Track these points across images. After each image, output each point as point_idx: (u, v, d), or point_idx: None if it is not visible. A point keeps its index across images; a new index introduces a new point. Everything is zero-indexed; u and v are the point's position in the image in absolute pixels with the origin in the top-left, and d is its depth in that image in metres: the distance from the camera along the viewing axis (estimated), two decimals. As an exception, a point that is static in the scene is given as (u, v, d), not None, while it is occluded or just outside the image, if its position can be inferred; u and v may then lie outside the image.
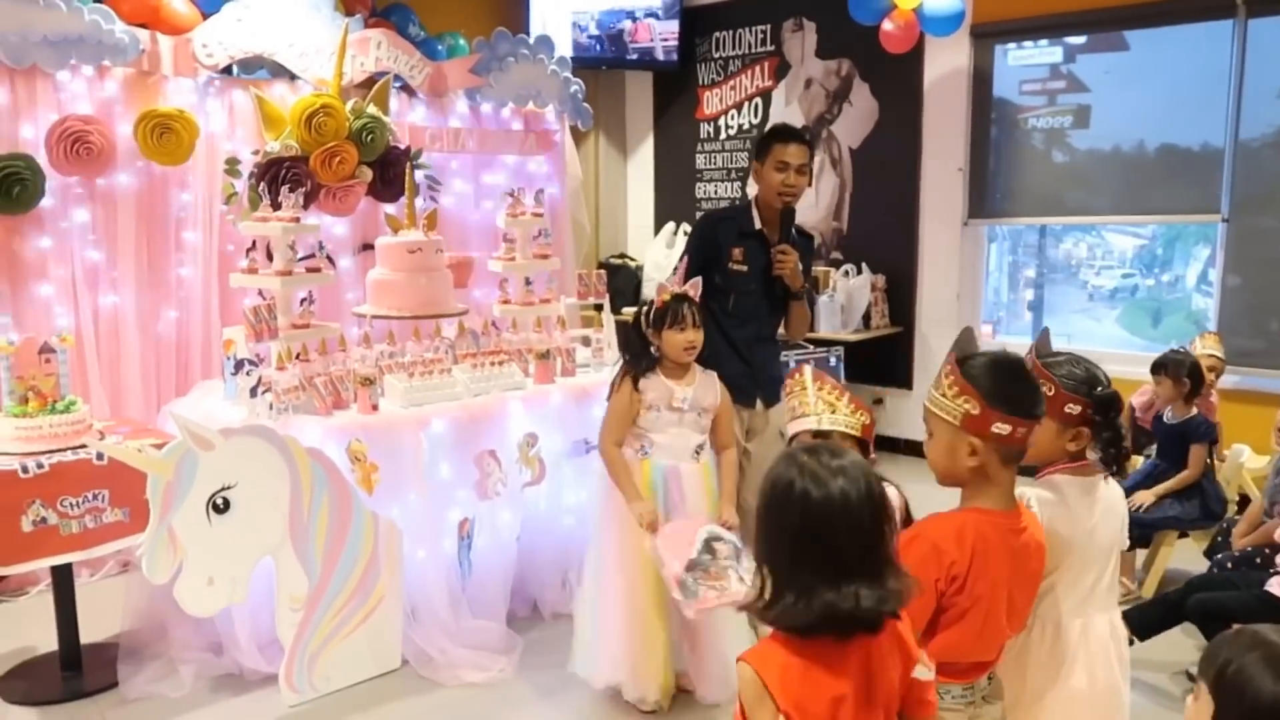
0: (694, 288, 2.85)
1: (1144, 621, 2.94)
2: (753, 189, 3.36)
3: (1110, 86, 5.04)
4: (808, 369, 2.34)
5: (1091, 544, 1.91)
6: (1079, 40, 5.11)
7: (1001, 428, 1.67)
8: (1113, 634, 1.95)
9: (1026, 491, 1.89)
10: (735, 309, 3.25)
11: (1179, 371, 3.70)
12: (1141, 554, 3.80)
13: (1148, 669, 3.07)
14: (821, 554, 1.36)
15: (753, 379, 3.28)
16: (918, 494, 2.19)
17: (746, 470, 3.24)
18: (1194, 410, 3.71)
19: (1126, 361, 4.72)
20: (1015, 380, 1.71)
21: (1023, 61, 5.30)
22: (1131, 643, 2.32)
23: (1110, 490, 1.95)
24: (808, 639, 1.40)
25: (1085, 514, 1.90)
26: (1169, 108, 4.83)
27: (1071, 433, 1.89)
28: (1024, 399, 1.70)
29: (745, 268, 3.24)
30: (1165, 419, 3.79)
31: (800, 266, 3.27)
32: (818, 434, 2.22)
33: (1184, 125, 4.81)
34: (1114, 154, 5.06)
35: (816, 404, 2.24)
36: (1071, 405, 1.86)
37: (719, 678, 2.81)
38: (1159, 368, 3.80)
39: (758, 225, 3.28)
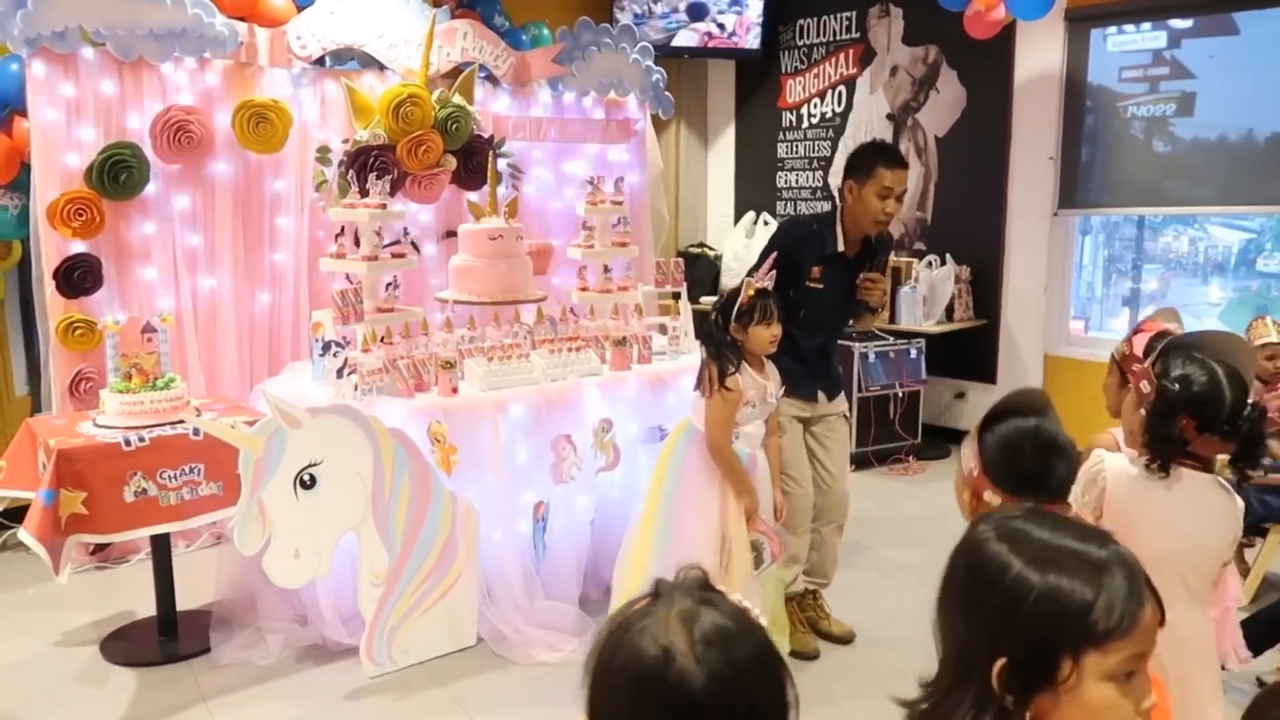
0: (771, 280, 2.85)
1: (1255, 636, 2.77)
2: (830, 185, 3.34)
3: (1217, 72, 4.79)
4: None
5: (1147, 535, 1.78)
6: (1184, 24, 4.87)
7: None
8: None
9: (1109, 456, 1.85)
10: (804, 321, 3.19)
11: None
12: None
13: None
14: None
15: (811, 378, 3.28)
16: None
17: (816, 449, 3.35)
18: None
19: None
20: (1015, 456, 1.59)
21: (1123, 47, 5.08)
22: None
23: (1203, 492, 1.82)
24: None
25: (1152, 501, 1.81)
26: (1280, 94, 4.59)
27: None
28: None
29: (821, 286, 3.18)
30: None
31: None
32: None
33: (1297, 113, 4.57)
34: (1220, 143, 4.82)
35: None
36: (1146, 384, 1.83)
37: None
38: None
39: (841, 248, 3.19)
